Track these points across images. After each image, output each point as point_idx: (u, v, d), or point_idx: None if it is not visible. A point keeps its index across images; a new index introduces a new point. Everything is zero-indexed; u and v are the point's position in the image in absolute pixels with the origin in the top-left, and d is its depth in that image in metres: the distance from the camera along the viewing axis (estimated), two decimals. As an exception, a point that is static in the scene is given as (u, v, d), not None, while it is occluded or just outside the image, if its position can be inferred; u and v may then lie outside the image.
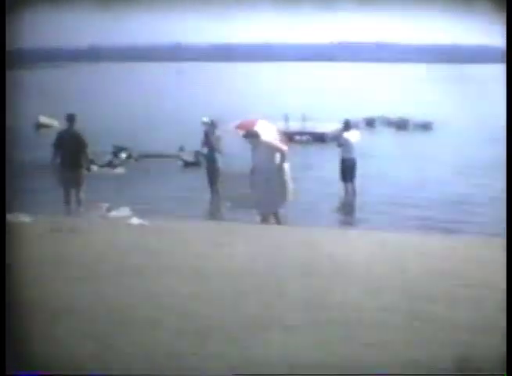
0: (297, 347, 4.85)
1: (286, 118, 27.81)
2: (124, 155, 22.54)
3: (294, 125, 28.02)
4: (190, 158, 21.84)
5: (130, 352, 4.74)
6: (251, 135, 12.94)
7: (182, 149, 22.65)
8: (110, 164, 21.55)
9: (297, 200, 13.21)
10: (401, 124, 33.82)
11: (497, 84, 7.15)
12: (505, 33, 6.22)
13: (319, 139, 28.36)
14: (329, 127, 28.29)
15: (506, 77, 6.53)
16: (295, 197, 12.92)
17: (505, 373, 4.42)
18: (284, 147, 12.73)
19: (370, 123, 34.27)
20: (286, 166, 12.64)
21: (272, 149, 12.58)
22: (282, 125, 24.25)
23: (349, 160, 16.95)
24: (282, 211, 12.72)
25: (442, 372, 4.47)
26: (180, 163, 22.16)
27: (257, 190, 12.70)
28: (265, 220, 12.62)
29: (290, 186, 12.65)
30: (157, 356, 4.66)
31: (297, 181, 18.92)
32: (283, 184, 12.53)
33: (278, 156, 12.51)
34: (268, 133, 13.33)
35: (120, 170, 21.30)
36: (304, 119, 29.17)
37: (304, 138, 28.24)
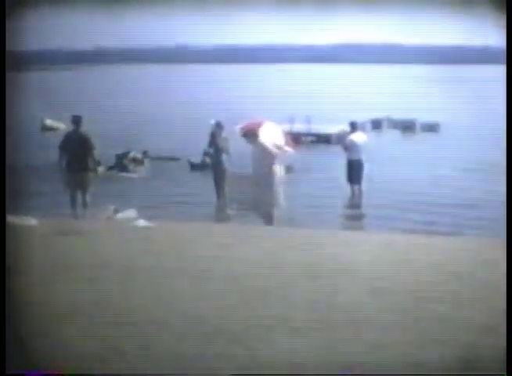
0: (303, 348, 4.86)
1: (292, 120, 27.79)
2: (131, 156, 22.54)
3: (300, 127, 28.01)
4: (197, 161, 21.86)
5: (135, 353, 4.75)
6: (249, 135, 12.93)
7: (191, 164, 22.28)
8: (120, 167, 21.60)
9: (290, 203, 13.24)
10: (407, 126, 33.77)
11: (501, 84, 7.16)
12: (505, 34, 6.22)
13: (325, 140, 28.36)
14: (335, 128, 28.30)
15: (507, 77, 6.53)
16: (287, 200, 12.94)
17: (505, 373, 4.42)
18: (275, 150, 12.67)
19: (377, 125, 34.24)
20: (278, 169, 12.63)
21: (265, 150, 12.58)
22: (287, 127, 24.26)
23: (356, 161, 16.92)
24: (279, 213, 12.74)
25: (448, 372, 4.48)
26: (187, 165, 22.19)
27: (252, 191, 12.78)
28: (266, 222, 12.64)
29: (279, 189, 12.63)
30: (162, 358, 4.68)
31: (303, 183, 19.03)
32: (270, 187, 12.53)
33: (270, 158, 12.53)
34: (272, 134, 13.30)
35: (140, 171, 21.54)
36: (308, 121, 29.16)
37: (309, 139, 28.24)
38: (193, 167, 21.78)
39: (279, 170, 12.70)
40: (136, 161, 22.53)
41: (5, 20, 6.12)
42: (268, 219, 12.65)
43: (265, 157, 12.53)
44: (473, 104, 42.91)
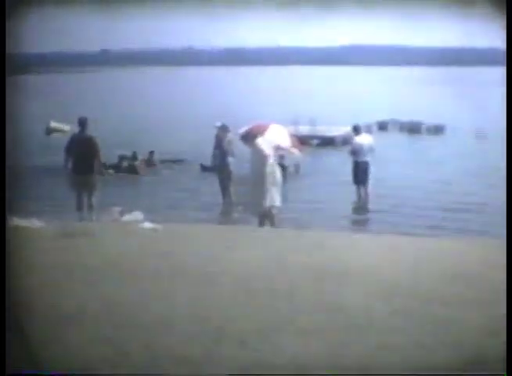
0: (309, 350, 4.86)
1: (296, 122, 27.77)
2: (140, 159, 22.52)
3: (304, 129, 27.99)
4: (207, 163, 21.86)
5: (141, 355, 4.77)
6: (247, 137, 13.02)
7: (203, 166, 22.24)
8: (126, 169, 21.63)
9: (295, 205, 13.26)
10: (413, 128, 33.77)
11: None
12: (505, 35, 6.22)
13: (329, 142, 28.35)
14: (340, 130, 28.30)
15: (507, 78, 6.53)
16: (292, 202, 12.98)
17: (505, 373, 4.42)
18: (267, 152, 12.70)
19: (382, 126, 34.26)
20: (271, 170, 12.65)
21: (259, 152, 12.63)
22: (292, 129, 24.27)
23: (362, 163, 16.91)
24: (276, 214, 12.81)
25: (450, 372, 4.48)
26: (193, 167, 22.23)
27: (248, 192, 12.90)
28: (262, 223, 12.71)
29: (273, 190, 12.66)
30: (168, 360, 4.69)
31: (308, 184, 19.04)
32: (262, 187, 12.57)
33: (263, 159, 12.59)
34: (277, 136, 13.32)
35: (166, 171, 21.70)
36: (312, 123, 29.17)
37: (314, 141, 28.23)
38: (204, 169, 21.75)
39: (272, 171, 12.71)
40: (146, 163, 22.53)
41: (5, 21, 6.11)
42: (270, 220, 12.69)
43: (259, 159, 12.59)
44: (479, 107, 42.80)
